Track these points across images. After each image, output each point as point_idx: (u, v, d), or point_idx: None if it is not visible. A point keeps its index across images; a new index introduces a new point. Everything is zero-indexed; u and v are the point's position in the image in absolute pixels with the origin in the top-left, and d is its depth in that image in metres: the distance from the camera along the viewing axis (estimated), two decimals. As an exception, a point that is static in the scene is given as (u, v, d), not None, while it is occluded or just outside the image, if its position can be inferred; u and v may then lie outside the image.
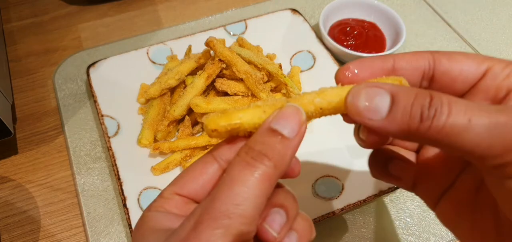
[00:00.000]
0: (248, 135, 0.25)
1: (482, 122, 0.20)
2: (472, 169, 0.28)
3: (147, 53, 0.57)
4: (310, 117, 0.25)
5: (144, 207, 0.44)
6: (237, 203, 0.21)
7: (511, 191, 0.21)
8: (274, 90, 0.53)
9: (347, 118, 0.24)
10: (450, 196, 0.28)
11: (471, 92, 0.26)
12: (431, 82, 0.26)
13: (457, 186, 0.28)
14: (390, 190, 0.44)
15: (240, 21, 0.62)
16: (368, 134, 0.25)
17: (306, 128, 0.24)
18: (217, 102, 0.48)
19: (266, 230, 0.24)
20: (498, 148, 0.20)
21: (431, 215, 0.46)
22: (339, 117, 0.26)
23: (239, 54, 0.51)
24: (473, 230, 0.27)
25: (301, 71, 0.57)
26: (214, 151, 0.26)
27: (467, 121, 0.20)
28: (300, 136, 0.23)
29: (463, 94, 0.26)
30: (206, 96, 0.51)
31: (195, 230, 0.21)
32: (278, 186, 0.26)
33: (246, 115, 0.24)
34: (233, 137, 0.25)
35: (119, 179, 0.45)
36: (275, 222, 0.24)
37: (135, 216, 0.43)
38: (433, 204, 0.29)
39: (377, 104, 0.22)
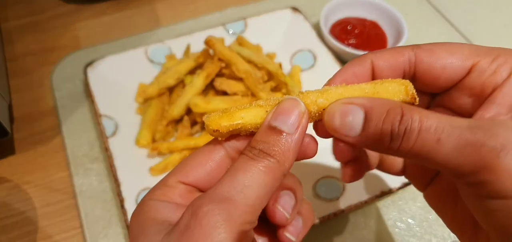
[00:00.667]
0: (250, 134, 0.24)
1: (451, 141, 0.20)
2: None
3: (146, 52, 0.57)
4: (312, 118, 0.24)
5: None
6: (240, 189, 0.21)
7: (483, 207, 0.21)
8: (274, 89, 0.53)
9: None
10: (436, 183, 0.29)
11: (456, 88, 0.26)
12: (413, 81, 0.26)
13: (443, 176, 0.28)
14: (391, 191, 0.44)
15: (239, 19, 0.61)
16: (342, 147, 0.25)
17: (307, 118, 0.24)
18: (216, 102, 0.48)
19: (279, 211, 0.25)
20: (468, 167, 0.20)
21: (433, 216, 0.45)
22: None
23: (238, 53, 0.51)
24: (453, 220, 0.27)
25: (302, 71, 0.56)
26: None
27: (436, 140, 0.20)
28: (301, 128, 0.23)
29: (448, 90, 0.26)
30: (205, 96, 0.51)
31: (195, 217, 0.20)
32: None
33: (248, 115, 0.23)
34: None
35: (117, 179, 0.44)
36: (287, 204, 0.26)
37: (133, 217, 0.42)
38: (422, 188, 0.30)
39: (351, 122, 0.22)
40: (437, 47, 0.25)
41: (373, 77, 0.26)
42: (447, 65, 0.25)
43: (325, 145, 0.49)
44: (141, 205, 0.24)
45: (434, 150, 0.20)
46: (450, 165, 0.20)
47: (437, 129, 0.20)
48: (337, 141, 0.25)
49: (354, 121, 0.22)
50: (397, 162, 0.32)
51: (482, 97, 0.25)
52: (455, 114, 0.26)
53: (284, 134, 0.23)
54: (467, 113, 0.26)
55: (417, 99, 0.24)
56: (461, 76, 0.25)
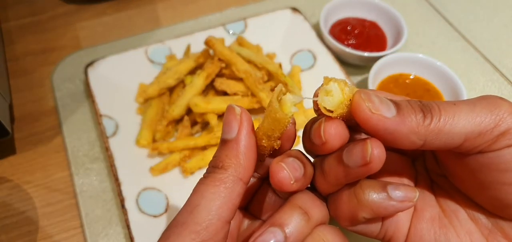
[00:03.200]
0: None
1: (463, 102, 0.23)
2: (420, 186, 0.28)
3: (146, 52, 0.57)
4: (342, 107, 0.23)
5: (143, 208, 0.43)
6: (190, 210, 0.23)
7: (503, 166, 0.22)
8: (274, 90, 0.53)
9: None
10: (417, 222, 0.28)
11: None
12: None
13: (419, 209, 0.28)
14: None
15: (239, 20, 0.61)
16: (326, 130, 0.24)
17: (248, 118, 0.24)
18: (216, 102, 0.48)
19: (282, 168, 0.24)
20: (487, 117, 0.22)
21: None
22: None
23: (238, 54, 0.51)
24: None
25: (302, 71, 0.56)
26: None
27: (453, 105, 0.23)
28: (244, 130, 0.24)
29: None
30: (205, 96, 0.51)
31: None
32: (297, 150, 0.27)
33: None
34: None
35: (117, 179, 0.45)
36: (292, 167, 0.24)
37: (133, 217, 0.42)
38: None
39: (386, 104, 0.23)
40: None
41: None
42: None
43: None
44: None
45: (456, 114, 0.22)
46: (474, 124, 0.22)
47: (450, 102, 0.23)
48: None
49: (388, 104, 0.23)
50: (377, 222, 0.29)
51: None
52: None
53: (229, 141, 0.24)
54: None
55: None
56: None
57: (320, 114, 0.25)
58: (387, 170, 0.28)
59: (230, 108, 0.24)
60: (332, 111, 0.23)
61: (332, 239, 0.25)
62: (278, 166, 0.24)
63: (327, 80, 0.24)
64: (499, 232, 0.25)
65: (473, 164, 0.24)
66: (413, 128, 0.22)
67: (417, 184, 0.29)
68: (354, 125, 0.24)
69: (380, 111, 0.22)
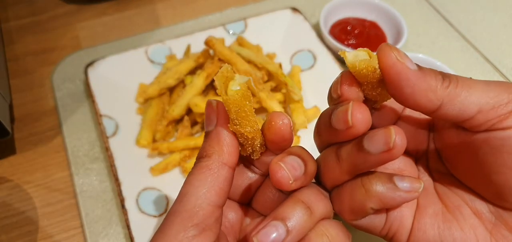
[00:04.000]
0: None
1: (478, 80, 0.23)
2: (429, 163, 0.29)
3: (146, 52, 0.57)
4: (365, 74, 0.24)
5: (143, 208, 0.43)
6: (180, 200, 0.24)
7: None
8: (274, 90, 0.53)
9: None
10: (421, 217, 0.27)
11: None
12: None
13: (422, 204, 0.28)
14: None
15: (239, 20, 0.61)
16: (354, 114, 0.23)
17: (222, 108, 0.25)
18: (216, 102, 0.48)
19: (281, 168, 0.24)
20: (502, 91, 0.22)
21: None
22: None
23: (238, 54, 0.51)
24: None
25: (302, 71, 0.56)
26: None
27: (469, 79, 0.23)
28: (221, 118, 0.25)
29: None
30: (205, 96, 0.51)
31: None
32: (299, 146, 0.27)
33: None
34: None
35: (117, 179, 0.45)
36: (291, 165, 0.25)
37: (133, 217, 0.42)
38: (405, 239, 0.28)
39: (410, 59, 0.23)
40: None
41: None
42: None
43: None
44: None
45: (472, 86, 0.23)
46: (488, 97, 0.22)
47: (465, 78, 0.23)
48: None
49: (412, 61, 0.23)
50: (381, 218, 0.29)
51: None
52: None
53: (210, 132, 0.25)
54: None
55: None
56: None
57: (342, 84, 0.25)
58: (390, 169, 0.28)
59: (208, 103, 0.26)
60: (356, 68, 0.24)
61: (335, 233, 0.25)
62: (277, 166, 0.24)
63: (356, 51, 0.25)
64: (502, 225, 0.25)
65: (481, 144, 0.24)
66: (432, 86, 0.23)
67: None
68: (376, 99, 0.25)
69: (406, 62, 0.23)
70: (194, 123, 0.50)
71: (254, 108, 0.25)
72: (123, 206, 0.43)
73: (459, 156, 0.26)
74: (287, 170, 0.24)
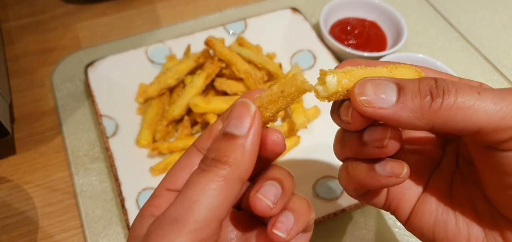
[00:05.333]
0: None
1: (490, 93, 0.21)
2: (442, 169, 0.28)
3: (146, 52, 0.57)
4: (336, 98, 0.24)
5: (143, 208, 0.43)
6: (188, 206, 0.21)
7: None
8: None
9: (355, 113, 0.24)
10: (419, 210, 0.28)
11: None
12: None
13: (430, 190, 0.28)
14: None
15: (239, 20, 0.61)
16: (353, 113, 0.24)
17: (259, 118, 0.24)
18: (216, 102, 0.48)
19: (260, 200, 0.24)
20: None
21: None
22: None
23: (238, 54, 0.51)
24: (451, 231, 0.27)
25: (302, 71, 0.56)
26: (196, 142, 0.26)
27: (476, 93, 0.21)
28: (254, 129, 0.23)
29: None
30: (205, 96, 0.51)
31: None
32: (274, 165, 0.27)
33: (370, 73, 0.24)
34: (212, 128, 0.26)
35: (117, 179, 0.45)
36: (269, 192, 0.24)
37: (133, 217, 0.42)
38: (404, 218, 0.29)
39: (385, 93, 0.22)
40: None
41: None
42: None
43: (324, 145, 0.49)
44: (136, 224, 0.24)
45: (478, 100, 0.21)
46: (493, 117, 0.20)
47: (472, 87, 0.21)
48: (365, 119, 0.24)
49: (387, 92, 0.22)
50: (382, 194, 0.29)
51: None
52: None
53: (237, 137, 0.22)
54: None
55: None
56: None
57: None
58: (408, 136, 0.29)
59: (244, 103, 0.23)
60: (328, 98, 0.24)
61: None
62: (255, 198, 0.24)
63: (323, 72, 0.24)
64: (498, 233, 0.25)
65: (483, 158, 0.24)
66: (416, 112, 0.22)
67: (440, 165, 0.28)
68: None
69: (374, 104, 0.22)
70: (194, 123, 0.50)
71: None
72: (123, 206, 0.43)
73: (473, 153, 0.25)
74: (266, 199, 0.24)
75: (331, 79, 0.23)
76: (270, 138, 0.25)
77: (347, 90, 0.23)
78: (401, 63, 0.25)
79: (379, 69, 0.24)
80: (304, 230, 0.27)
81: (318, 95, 0.24)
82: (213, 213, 0.21)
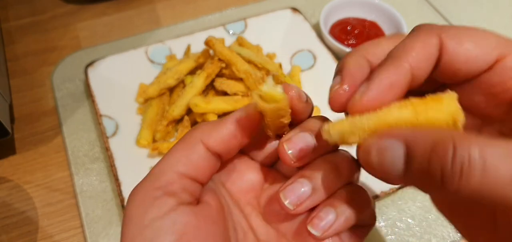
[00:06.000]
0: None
1: None
2: None
3: (146, 52, 0.57)
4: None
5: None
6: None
7: None
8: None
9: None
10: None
11: (473, 83, 0.22)
12: (433, 70, 0.23)
13: None
14: (392, 191, 0.44)
15: (239, 20, 0.61)
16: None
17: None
18: (216, 102, 0.48)
19: (283, 149, 0.23)
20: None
21: (432, 216, 0.45)
22: (340, 115, 0.25)
23: (238, 54, 0.51)
24: (466, 226, 0.25)
25: (302, 71, 0.56)
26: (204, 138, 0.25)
27: (510, 177, 0.16)
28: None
29: (461, 84, 0.23)
30: (205, 96, 0.51)
31: None
32: (313, 117, 0.25)
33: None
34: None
35: (117, 179, 0.45)
36: (296, 142, 0.23)
37: (133, 217, 0.42)
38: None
39: (391, 160, 0.19)
40: (463, 36, 0.21)
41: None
42: (471, 59, 0.21)
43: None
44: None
45: (509, 186, 0.16)
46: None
47: (508, 156, 0.16)
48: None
49: (395, 158, 0.18)
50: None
51: (500, 98, 0.22)
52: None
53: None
54: (479, 113, 0.23)
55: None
56: (482, 70, 0.21)
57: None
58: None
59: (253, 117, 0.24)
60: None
61: (351, 198, 0.24)
62: (281, 146, 0.24)
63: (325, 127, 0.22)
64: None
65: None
66: (428, 188, 0.19)
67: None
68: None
69: (381, 171, 0.20)
70: (194, 123, 0.50)
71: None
72: (123, 206, 0.43)
73: None
74: (290, 152, 0.23)
75: (330, 132, 0.21)
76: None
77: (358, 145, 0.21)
78: (436, 95, 0.20)
79: (398, 113, 0.19)
80: (359, 225, 0.25)
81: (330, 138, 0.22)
82: (168, 166, 0.23)
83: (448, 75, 0.22)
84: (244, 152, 0.27)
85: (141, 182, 0.24)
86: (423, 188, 0.19)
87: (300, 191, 0.23)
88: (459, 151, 0.16)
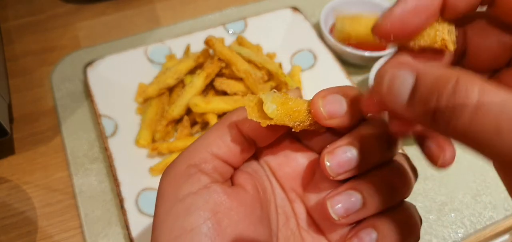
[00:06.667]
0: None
1: None
2: None
3: (145, 52, 0.57)
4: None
5: (143, 209, 0.43)
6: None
7: None
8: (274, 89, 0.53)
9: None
10: None
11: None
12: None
13: None
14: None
15: (239, 19, 0.61)
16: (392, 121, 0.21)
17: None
18: (216, 102, 0.48)
19: (327, 208, 0.22)
20: None
21: (433, 216, 0.45)
22: None
23: (238, 53, 0.51)
24: None
25: (302, 71, 0.56)
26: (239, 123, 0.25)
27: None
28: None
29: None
30: (205, 96, 0.50)
31: None
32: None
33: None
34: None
35: (116, 180, 0.44)
36: (340, 204, 0.22)
37: (133, 217, 0.42)
38: None
39: (399, 89, 0.19)
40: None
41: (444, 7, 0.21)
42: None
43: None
44: None
45: (494, 136, 0.15)
46: None
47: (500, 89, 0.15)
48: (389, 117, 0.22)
49: (404, 86, 0.18)
50: None
51: None
52: None
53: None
54: None
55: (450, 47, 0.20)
56: None
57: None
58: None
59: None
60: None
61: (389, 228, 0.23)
62: (321, 159, 0.22)
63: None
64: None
65: None
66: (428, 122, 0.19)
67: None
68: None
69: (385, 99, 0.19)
70: (193, 123, 0.50)
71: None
72: (122, 207, 0.43)
73: None
74: (323, 109, 0.22)
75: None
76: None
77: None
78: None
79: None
80: None
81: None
82: (203, 146, 0.24)
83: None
84: (298, 138, 0.26)
85: (174, 160, 0.24)
86: (420, 121, 0.18)
87: (348, 204, 0.22)
88: (459, 86, 0.16)
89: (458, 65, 0.22)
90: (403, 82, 0.18)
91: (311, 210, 0.25)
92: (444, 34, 0.20)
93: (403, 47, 0.22)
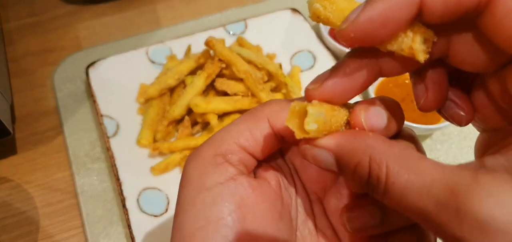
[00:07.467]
0: None
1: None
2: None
3: (147, 53, 0.57)
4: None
5: (144, 208, 0.44)
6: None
7: None
8: (274, 90, 0.53)
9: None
10: None
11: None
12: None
13: None
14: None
15: (240, 20, 0.61)
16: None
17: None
18: (217, 102, 0.48)
19: (344, 220, 0.22)
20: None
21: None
22: None
23: (239, 54, 0.51)
24: None
25: (302, 71, 0.56)
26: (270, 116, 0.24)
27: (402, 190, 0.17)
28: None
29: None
30: (205, 96, 0.51)
31: None
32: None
33: None
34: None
35: (118, 179, 0.45)
36: (357, 217, 0.22)
37: (134, 217, 0.43)
38: None
39: (325, 165, 0.20)
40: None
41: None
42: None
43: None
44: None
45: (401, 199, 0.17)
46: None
47: (405, 181, 0.17)
48: None
49: (328, 164, 0.20)
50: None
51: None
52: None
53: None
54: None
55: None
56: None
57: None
58: None
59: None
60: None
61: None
62: (358, 110, 0.21)
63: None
64: None
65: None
66: None
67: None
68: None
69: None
70: (194, 123, 0.51)
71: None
72: (124, 206, 0.43)
73: None
74: (365, 122, 0.21)
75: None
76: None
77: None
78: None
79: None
80: None
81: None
82: (230, 135, 0.23)
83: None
84: None
85: (200, 146, 0.23)
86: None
87: (367, 219, 0.22)
88: (371, 168, 0.18)
89: (441, 62, 0.21)
90: (326, 161, 0.20)
91: (330, 215, 0.25)
92: (414, 43, 0.18)
93: (371, 48, 0.20)
